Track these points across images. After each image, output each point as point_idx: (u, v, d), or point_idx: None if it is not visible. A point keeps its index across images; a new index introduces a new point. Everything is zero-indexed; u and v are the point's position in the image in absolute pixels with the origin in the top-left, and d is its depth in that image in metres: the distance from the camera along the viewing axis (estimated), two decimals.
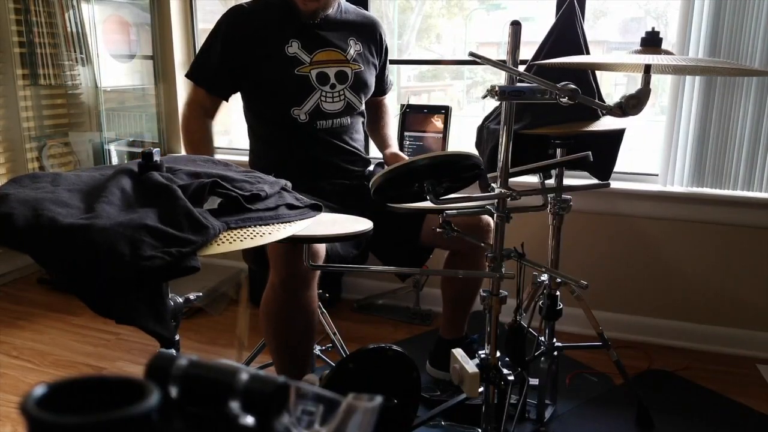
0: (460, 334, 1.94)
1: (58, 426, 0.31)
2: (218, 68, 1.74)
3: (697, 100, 2.15)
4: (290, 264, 1.47)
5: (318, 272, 1.53)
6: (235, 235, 0.95)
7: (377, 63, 1.91)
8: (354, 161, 1.83)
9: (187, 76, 1.80)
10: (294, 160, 1.77)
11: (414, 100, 2.53)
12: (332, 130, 1.77)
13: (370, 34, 1.87)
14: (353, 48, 1.81)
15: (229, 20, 1.74)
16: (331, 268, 1.43)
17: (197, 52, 1.81)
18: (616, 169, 1.83)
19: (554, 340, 1.74)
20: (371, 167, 1.91)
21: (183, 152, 2.97)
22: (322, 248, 1.51)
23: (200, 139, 1.80)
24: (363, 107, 1.87)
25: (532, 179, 1.71)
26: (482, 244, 1.48)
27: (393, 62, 3.08)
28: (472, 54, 1.18)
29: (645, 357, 2.21)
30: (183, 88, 2.96)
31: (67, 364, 2.15)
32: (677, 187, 2.24)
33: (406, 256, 1.81)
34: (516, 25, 1.21)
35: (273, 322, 1.54)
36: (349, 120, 1.80)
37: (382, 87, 1.99)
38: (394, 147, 1.95)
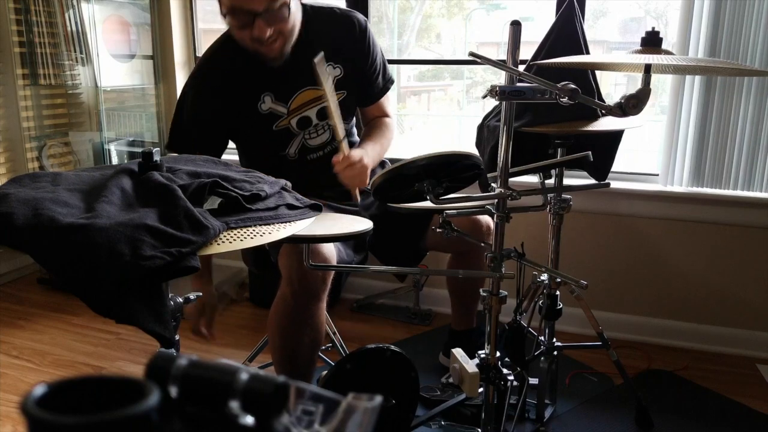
0: (470, 326, 1.96)
1: (58, 426, 0.31)
2: (197, 137, 1.64)
3: (697, 100, 2.15)
4: (303, 277, 1.44)
5: (328, 286, 1.51)
6: (235, 234, 0.95)
7: (361, 71, 1.74)
8: None
9: (168, 148, 1.68)
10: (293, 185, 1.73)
11: (414, 100, 2.52)
12: (325, 156, 1.69)
13: (348, 44, 1.69)
14: (331, 75, 1.65)
15: (196, 88, 1.63)
16: (331, 268, 1.43)
17: (171, 124, 1.68)
18: (616, 169, 1.83)
19: (554, 339, 1.75)
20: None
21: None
22: (332, 253, 1.49)
23: None
24: (352, 122, 1.81)
25: (532, 179, 1.71)
26: (482, 244, 1.48)
27: (393, 62, 3.08)
28: (472, 54, 1.18)
29: (645, 357, 2.21)
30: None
31: (67, 364, 2.15)
32: (677, 187, 2.24)
33: (405, 257, 1.81)
34: (516, 25, 1.21)
35: (280, 334, 1.50)
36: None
37: (371, 93, 1.79)
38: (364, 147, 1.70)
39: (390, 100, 1.87)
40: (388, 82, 1.83)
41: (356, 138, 1.86)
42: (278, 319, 1.50)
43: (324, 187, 1.69)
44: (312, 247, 1.41)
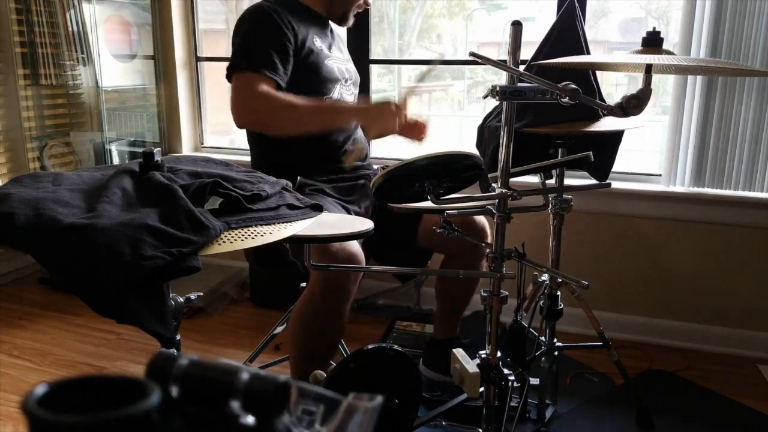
0: (453, 335, 1.94)
1: (59, 425, 0.31)
2: (278, 54, 1.61)
3: (699, 100, 2.15)
4: (336, 277, 1.46)
5: (356, 287, 1.52)
6: (235, 234, 0.95)
7: None
8: (366, 154, 1.87)
9: (249, 68, 1.57)
10: (312, 152, 1.72)
11: (415, 100, 2.53)
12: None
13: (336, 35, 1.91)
14: (345, 49, 1.90)
15: (269, 14, 1.64)
16: (331, 268, 1.43)
17: (239, 47, 1.63)
18: (617, 169, 1.83)
19: (555, 340, 1.74)
20: (374, 166, 1.91)
21: (185, 152, 2.97)
22: (360, 253, 1.50)
23: (290, 98, 1.62)
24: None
25: (533, 179, 1.71)
26: (483, 244, 1.48)
27: (394, 62, 3.08)
28: (472, 54, 1.18)
29: (645, 357, 2.21)
30: (184, 88, 2.96)
31: (68, 364, 2.15)
32: (678, 188, 2.24)
33: (406, 258, 1.81)
34: (517, 25, 1.21)
35: (304, 331, 1.53)
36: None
37: None
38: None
39: None
40: None
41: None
42: (304, 317, 1.52)
43: (334, 170, 1.74)
44: (340, 246, 1.44)
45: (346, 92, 1.80)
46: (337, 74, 1.76)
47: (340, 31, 2.03)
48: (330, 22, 1.84)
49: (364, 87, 2.61)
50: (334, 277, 1.46)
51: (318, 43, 1.74)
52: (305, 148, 1.72)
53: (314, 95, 1.68)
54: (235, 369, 0.39)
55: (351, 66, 1.88)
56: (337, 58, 1.81)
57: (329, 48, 1.79)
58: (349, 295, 1.50)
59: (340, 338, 1.56)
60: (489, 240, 1.65)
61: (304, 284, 1.79)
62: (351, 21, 1.84)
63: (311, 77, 1.70)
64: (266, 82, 1.58)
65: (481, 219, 1.74)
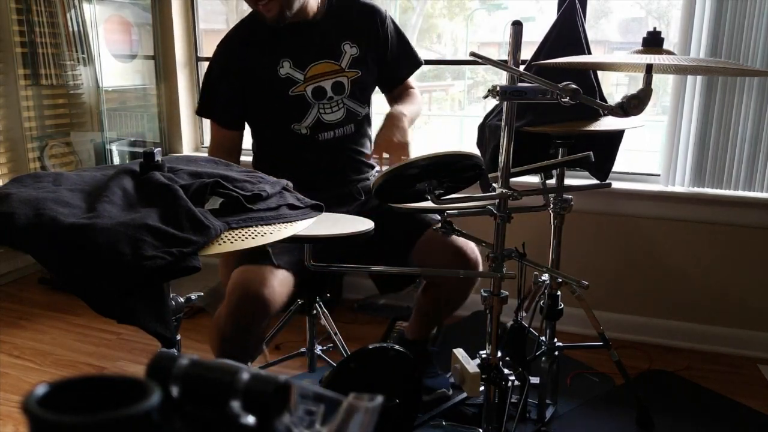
0: (422, 338, 1.88)
1: (59, 425, 0.31)
2: (224, 100, 1.73)
3: (699, 100, 2.15)
4: (246, 295, 1.41)
5: (275, 314, 1.49)
6: (236, 234, 0.95)
7: (381, 56, 1.80)
8: (359, 168, 1.80)
9: (198, 113, 1.81)
10: (299, 171, 1.70)
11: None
12: (336, 140, 1.73)
13: (367, 29, 1.76)
14: (348, 53, 1.73)
15: (222, 53, 1.75)
16: (331, 269, 1.43)
17: (200, 91, 1.80)
18: (617, 169, 1.83)
19: (555, 340, 1.74)
20: (376, 170, 1.88)
21: (185, 152, 2.97)
22: (279, 297, 1.45)
23: None
24: (367, 110, 1.82)
25: (533, 179, 1.71)
26: (483, 244, 1.47)
27: None
28: (473, 54, 1.18)
29: (646, 357, 2.21)
30: (184, 88, 2.96)
31: (69, 364, 2.15)
32: (678, 188, 2.24)
33: (392, 276, 1.76)
34: (517, 25, 1.21)
35: (217, 346, 1.49)
36: (352, 127, 1.76)
37: (396, 75, 1.86)
38: (397, 107, 1.74)
39: (412, 79, 1.93)
40: (413, 66, 1.89)
41: (366, 139, 1.85)
42: (215, 333, 1.50)
43: (326, 183, 1.70)
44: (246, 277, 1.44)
45: (327, 111, 1.71)
46: (309, 98, 1.68)
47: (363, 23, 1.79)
48: (319, 25, 1.72)
49: None
50: (243, 297, 1.42)
51: (285, 68, 1.67)
52: (302, 169, 1.73)
53: (282, 124, 1.71)
54: (236, 369, 0.39)
55: (345, 77, 1.72)
56: (317, 76, 1.69)
57: (304, 66, 1.68)
58: (264, 314, 1.43)
59: (257, 353, 1.58)
60: (480, 269, 1.62)
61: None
62: (278, 19, 1.63)
63: (274, 107, 1.71)
64: (214, 125, 1.79)
65: (476, 252, 1.63)
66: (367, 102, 1.81)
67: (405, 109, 1.73)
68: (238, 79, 1.70)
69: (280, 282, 1.45)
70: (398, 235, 1.64)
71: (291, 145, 1.73)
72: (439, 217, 1.62)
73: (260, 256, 1.48)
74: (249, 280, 1.43)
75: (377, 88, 1.87)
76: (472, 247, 1.60)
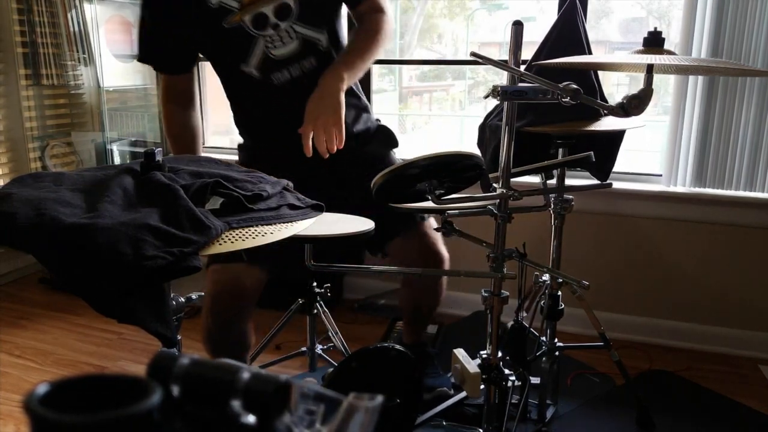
0: (418, 341, 1.89)
1: (61, 424, 0.31)
2: (158, 44, 1.53)
3: (700, 100, 2.15)
4: (221, 290, 1.44)
5: (252, 305, 1.53)
6: (236, 234, 0.95)
7: None
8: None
9: (139, 59, 1.61)
10: (269, 128, 1.55)
11: (416, 100, 2.50)
12: (294, 81, 1.46)
13: None
14: None
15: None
16: (332, 269, 1.43)
17: (138, 37, 1.60)
18: (618, 169, 1.82)
19: (555, 340, 1.74)
20: (370, 119, 1.63)
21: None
22: (251, 290, 1.49)
23: (177, 134, 1.59)
24: (331, 36, 1.50)
25: (534, 179, 1.71)
26: (484, 244, 1.47)
27: (395, 62, 3.08)
28: (474, 54, 1.18)
29: (646, 357, 2.21)
30: None
31: (69, 364, 2.16)
32: (680, 188, 2.24)
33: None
34: (518, 25, 1.21)
35: (205, 344, 1.54)
36: (313, 61, 1.46)
37: None
38: (336, 63, 1.42)
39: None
40: None
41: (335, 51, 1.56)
42: (203, 332, 1.53)
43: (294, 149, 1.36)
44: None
45: (276, 44, 1.44)
46: (249, 28, 1.42)
47: None
48: None
49: (365, 87, 2.61)
50: (222, 292, 1.45)
51: None
52: (271, 123, 1.57)
53: (229, 66, 1.47)
54: (236, 368, 0.39)
55: None
56: (254, 2, 1.41)
57: None
58: (243, 314, 1.49)
59: (248, 350, 1.59)
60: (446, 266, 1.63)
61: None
62: None
63: (213, 45, 1.48)
64: (163, 78, 1.64)
65: (443, 252, 1.62)
66: (327, 24, 1.49)
67: (348, 59, 1.42)
68: (169, 19, 1.48)
69: (249, 275, 1.49)
70: (385, 223, 1.49)
71: (246, 93, 1.52)
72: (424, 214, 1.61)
73: (231, 253, 1.49)
74: (221, 276, 1.47)
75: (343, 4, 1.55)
76: (440, 246, 1.62)
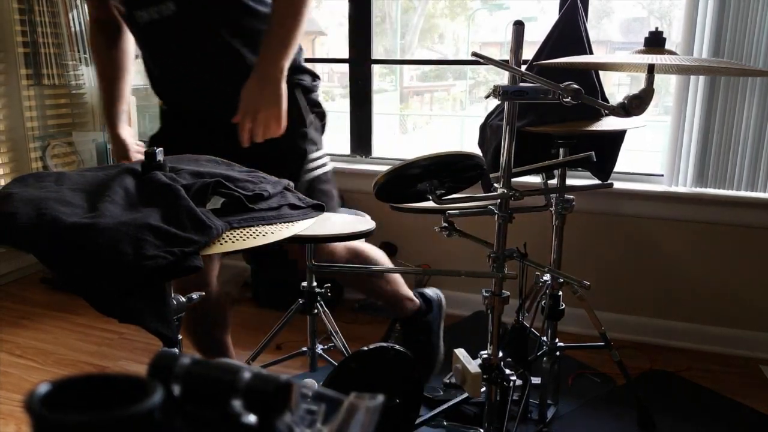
0: (406, 315, 1.82)
1: (62, 424, 0.31)
2: None
3: (701, 100, 2.15)
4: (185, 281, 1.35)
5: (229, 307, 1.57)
6: (237, 234, 0.95)
7: None
8: (230, 67, 1.31)
9: None
10: (148, 71, 1.51)
11: (417, 100, 2.50)
12: (153, 23, 1.29)
13: None
14: None
15: None
16: (332, 269, 1.43)
17: None
18: (619, 169, 1.82)
19: (556, 340, 1.74)
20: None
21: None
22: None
23: (99, 61, 1.58)
24: None
25: (535, 179, 1.71)
26: (485, 243, 1.47)
27: (395, 62, 3.08)
28: (475, 54, 1.18)
29: (647, 357, 2.21)
30: None
31: (70, 363, 2.16)
32: (681, 188, 2.24)
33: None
34: (519, 25, 1.21)
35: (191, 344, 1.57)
36: (172, 6, 1.27)
37: None
38: (266, 46, 1.27)
39: None
40: None
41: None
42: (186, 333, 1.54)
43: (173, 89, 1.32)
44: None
45: None
46: None
47: None
48: None
49: (366, 87, 2.61)
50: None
51: None
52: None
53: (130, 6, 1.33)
54: (237, 368, 0.39)
55: None
56: None
57: None
58: (219, 322, 1.53)
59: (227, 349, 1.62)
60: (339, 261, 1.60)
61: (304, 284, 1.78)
62: None
63: None
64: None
65: (337, 247, 1.54)
66: None
67: (280, 40, 1.26)
68: None
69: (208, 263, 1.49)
70: None
71: (132, 33, 1.42)
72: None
73: None
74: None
75: None
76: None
